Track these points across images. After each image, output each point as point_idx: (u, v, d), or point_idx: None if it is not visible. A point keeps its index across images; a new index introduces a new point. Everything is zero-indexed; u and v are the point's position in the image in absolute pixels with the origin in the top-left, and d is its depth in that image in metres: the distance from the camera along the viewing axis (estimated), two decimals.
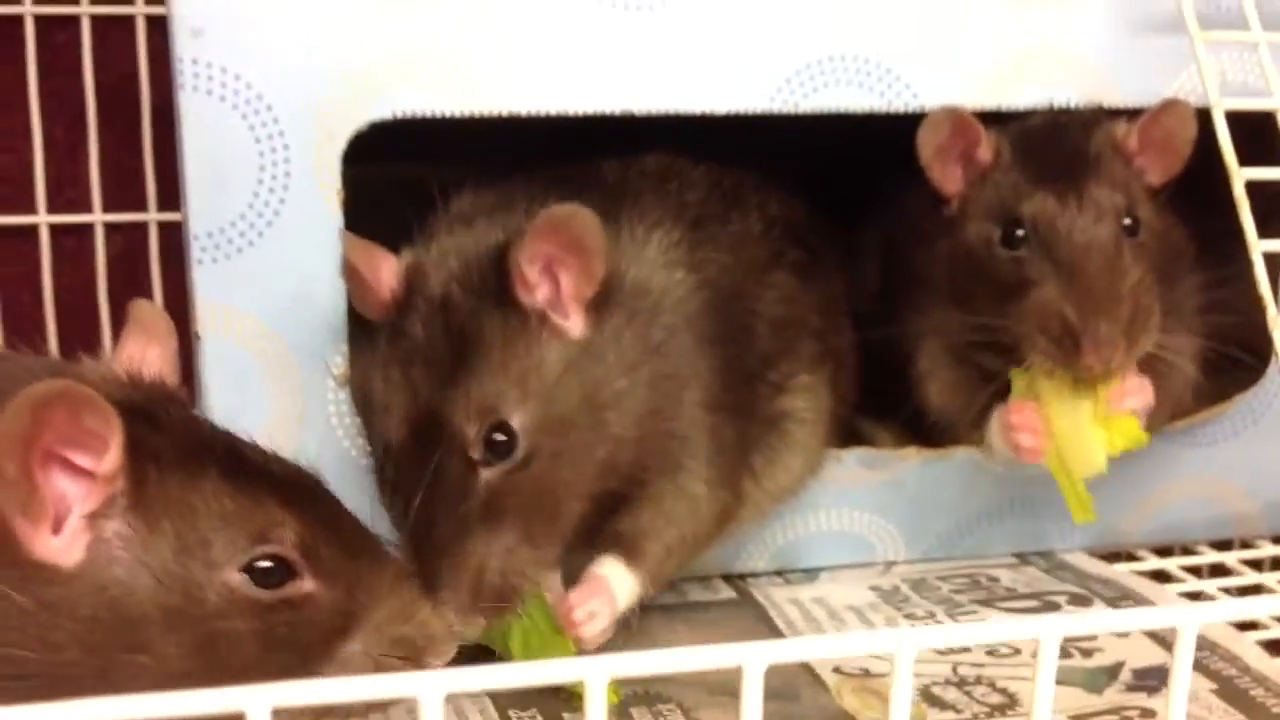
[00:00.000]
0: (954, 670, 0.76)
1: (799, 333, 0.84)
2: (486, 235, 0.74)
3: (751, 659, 0.41)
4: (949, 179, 0.85)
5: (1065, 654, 0.77)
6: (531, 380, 0.70)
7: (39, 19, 1.09)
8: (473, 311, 0.71)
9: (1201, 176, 0.82)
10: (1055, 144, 0.84)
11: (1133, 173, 0.84)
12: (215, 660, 0.54)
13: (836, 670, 0.76)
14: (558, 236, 0.70)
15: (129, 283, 1.13)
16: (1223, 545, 0.96)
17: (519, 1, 0.80)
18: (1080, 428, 0.81)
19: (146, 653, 0.53)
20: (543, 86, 0.80)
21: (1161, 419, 0.87)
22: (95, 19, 1.10)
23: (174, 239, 1.12)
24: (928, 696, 0.73)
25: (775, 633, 0.82)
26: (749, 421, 0.81)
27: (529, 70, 0.80)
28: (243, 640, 0.55)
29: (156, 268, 1.13)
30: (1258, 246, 0.78)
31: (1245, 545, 0.97)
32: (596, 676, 0.40)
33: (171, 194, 1.12)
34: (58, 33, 1.10)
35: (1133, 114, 0.85)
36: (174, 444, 0.56)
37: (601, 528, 0.75)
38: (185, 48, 0.77)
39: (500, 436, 0.69)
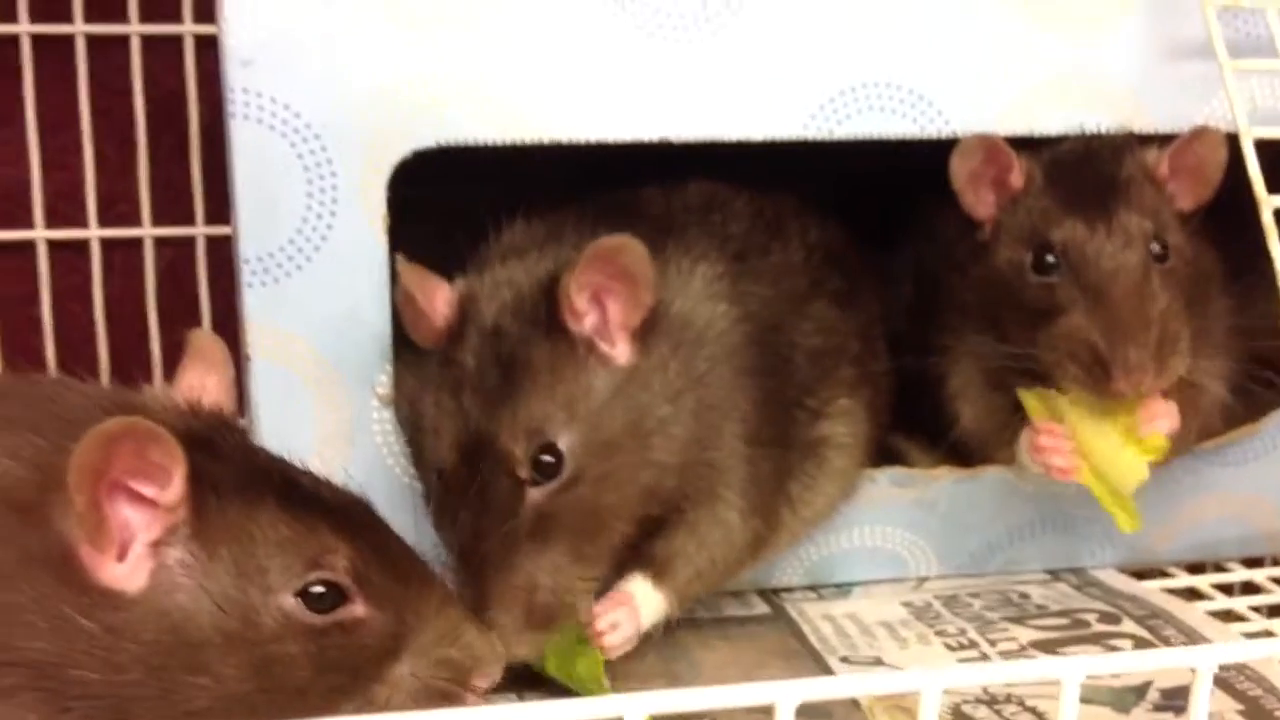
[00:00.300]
0: (984, 689, 0.77)
1: (838, 360, 0.86)
2: (537, 265, 0.76)
3: (783, 697, 0.42)
4: (981, 204, 0.86)
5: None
6: (579, 404, 0.72)
7: (90, 38, 1.12)
8: (522, 338, 0.73)
9: (1231, 201, 0.83)
10: (1086, 170, 0.85)
11: (1163, 199, 0.85)
12: (270, 682, 0.57)
13: None
14: (607, 266, 0.72)
15: (177, 295, 1.16)
16: (1254, 562, 0.97)
17: (559, 32, 0.81)
18: (1113, 441, 0.82)
19: (206, 674, 0.56)
20: (582, 115, 0.82)
21: (1189, 440, 0.88)
22: (145, 38, 1.13)
23: (221, 252, 1.14)
24: (958, 715, 0.75)
25: (808, 648, 0.83)
26: (787, 450, 0.83)
27: (569, 99, 0.82)
28: (296, 663, 0.57)
29: (204, 280, 1.16)
30: None
31: (1276, 563, 0.98)
32: (634, 713, 0.42)
33: (219, 208, 1.14)
34: (108, 51, 1.13)
35: (1163, 140, 0.86)
36: (232, 473, 0.59)
37: (635, 549, 0.77)
38: (236, 77, 0.79)
39: (547, 457, 0.71)
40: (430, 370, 0.76)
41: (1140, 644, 0.83)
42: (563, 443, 0.71)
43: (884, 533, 0.91)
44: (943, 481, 0.91)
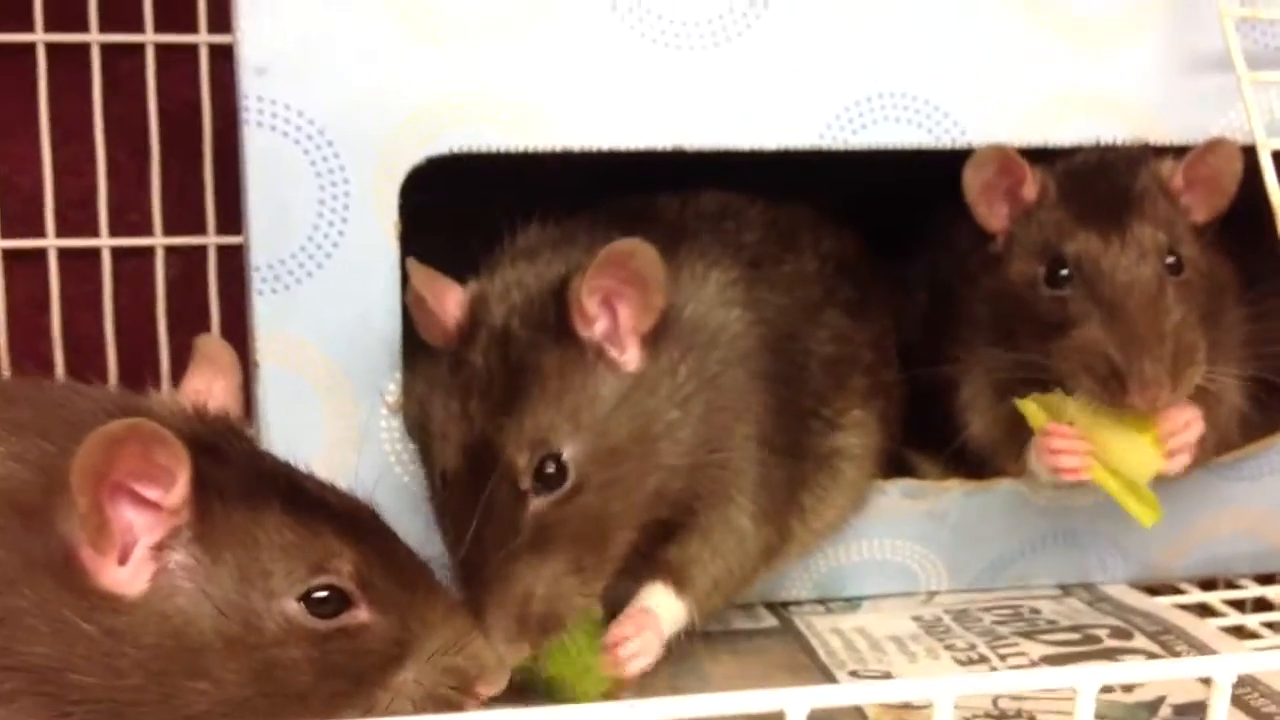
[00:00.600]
0: (994, 704, 0.77)
1: (851, 370, 0.86)
2: (549, 269, 0.76)
3: (793, 704, 0.42)
4: (994, 216, 0.86)
5: (1106, 689, 0.78)
6: (584, 413, 0.72)
7: (104, 47, 1.12)
8: (531, 343, 0.73)
9: (1247, 212, 0.83)
10: (1100, 182, 0.84)
11: (1178, 211, 0.84)
12: (272, 687, 0.56)
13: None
14: (618, 271, 0.72)
15: (187, 304, 1.16)
16: (1266, 579, 0.97)
17: (573, 41, 0.81)
18: (1123, 433, 0.82)
19: (206, 679, 0.55)
20: (596, 123, 0.82)
21: (1209, 452, 0.87)
22: (159, 47, 1.13)
23: (232, 262, 1.14)
24: None
25: (817, 662, 0.83)
26: (801, 460, 0.82)
27: (583, 108, 0.82)
28: (299, 668, 0.57)
29: (214, 290, 1.16)
30: None
31: None
32: None
33: (230, 218, 1.14)
34: (122, 60, 1.13)
35: (1179, 152, 0.86)
36: (237, 477, 0.59)
37: (649, 556, 0.77)
38: (250, 85, 0.79)
39: (551, 468, 0.71)
40: (440, 372, 0.76)
41: (1152, 659, 0.82)
42: (567, 453, 0.71)
43: (894, 545, 0.91)
44: (954, 494, 0.91)
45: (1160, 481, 0.83)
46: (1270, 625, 0.90)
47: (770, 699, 0.43)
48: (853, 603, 0.91)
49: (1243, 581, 0.97)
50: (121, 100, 1.14)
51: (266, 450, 0.64)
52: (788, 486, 0.81)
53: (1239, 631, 0.89)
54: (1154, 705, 0.77)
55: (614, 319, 0.74)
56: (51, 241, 1.13)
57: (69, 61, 1.12)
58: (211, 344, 0.68)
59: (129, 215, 1.16)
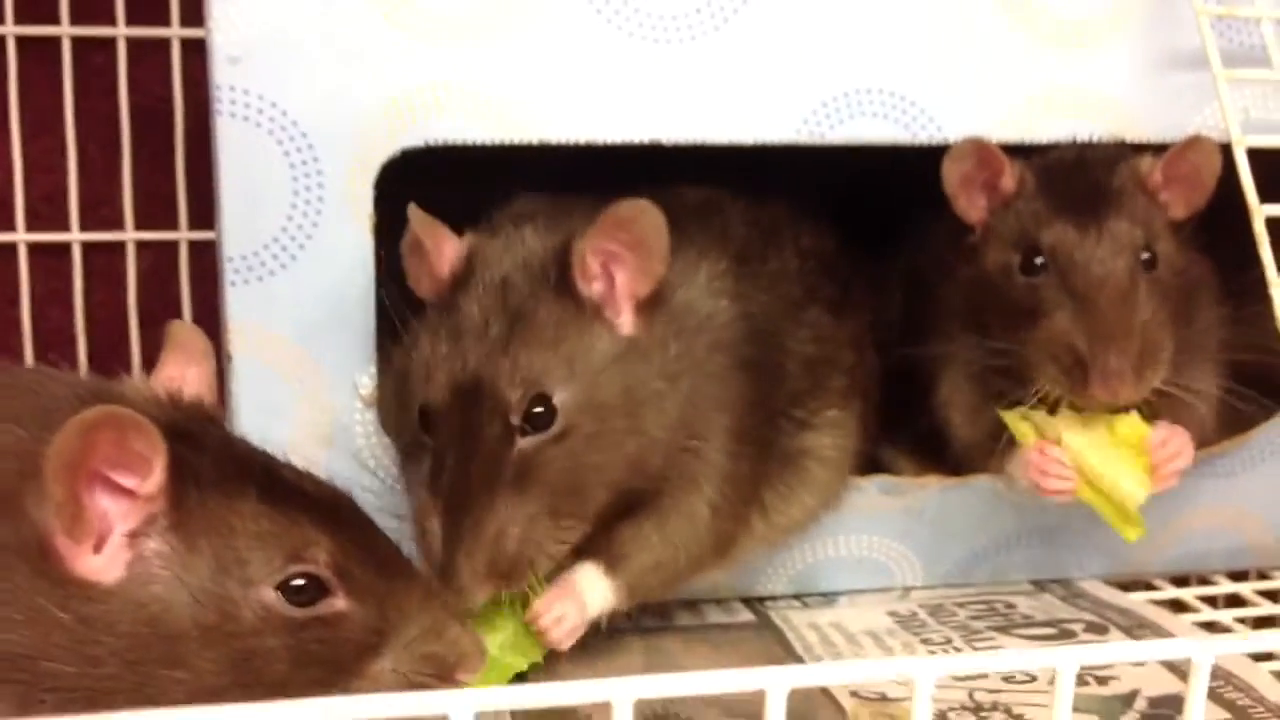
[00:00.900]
0: (970, 696, 0.77)
1: (830, 369, 0.86)
2: (548, 230, 0.76)
3: (774, 683, 0.42)
4: (973, 208, 0.86)
5: (1082, 682, 0.78)
6: (578, 363, 0.72)
7: (76, 40, 1.11)
8: (531, 293, 0.73)
9: (1226, 212, 0.83)
10: (1079, 176, 0.85)
11: (1155, 208, 0.84)
12: (249, 675, 0.56)
13: (854, 695, 0.77)
14: (622, 233, 0.72)
15: (159, 300, 1.15)
16: (1239, 576, 0.97)
17: (550, 34, 0.81)
18: (1111, 455, 0.82)
19: (182, 668, 0.55)
20: (573, 117, 0.82)
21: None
22: (131, 41, 1.12)
23: (204, 257, 1.14)
24: None
25: (793, 656, 0.83)
26: (767, 458, 0.82)
27: (559, 101, 0.81)
28: (275, 656, 0.56)
29: (186, 285, 1.15)
30: (1277, 281, 0.79)
31: (1262, 576, 0.97)
32: (621, 698, 0.41)
33: (202, 213, 1.14)
34: (94, 54, 1.12)
35: (1156, 149, 0.86)
36: (213, 464, 0.58)
37: (596, 538, 0.76)
38: (223, 75, 0.79)
39: (540, 409, 0.71)
40: (428, 318, 0.75)
41: None
42: (558, 397, 0.71)
43: (870, 542, 0.91)
44: (930, 490, 0.91)
45: None
46: (1242, 620, 0.91)
47: (751, 679, 0.43)
48: (829, 598, 0.91)
49: (1215, 578, 0.97)
50: (93, 94, 1.13)
51: (241, 437, 0.64)
52: (751, 482, 0.81)
53: (1212, 627, 0.89)
54: (1129, 698, 0.77)
55: (611, 284, 0.74)
56: (22, 236, 1.12)
57: (40, 55, 1.11)
58: (184, 330, 0.68)
59: (100, 210, 1.15)
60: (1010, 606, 0.90)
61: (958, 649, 0.83)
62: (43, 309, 1.13)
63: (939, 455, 0.91)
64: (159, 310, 1.15)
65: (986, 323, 0.84)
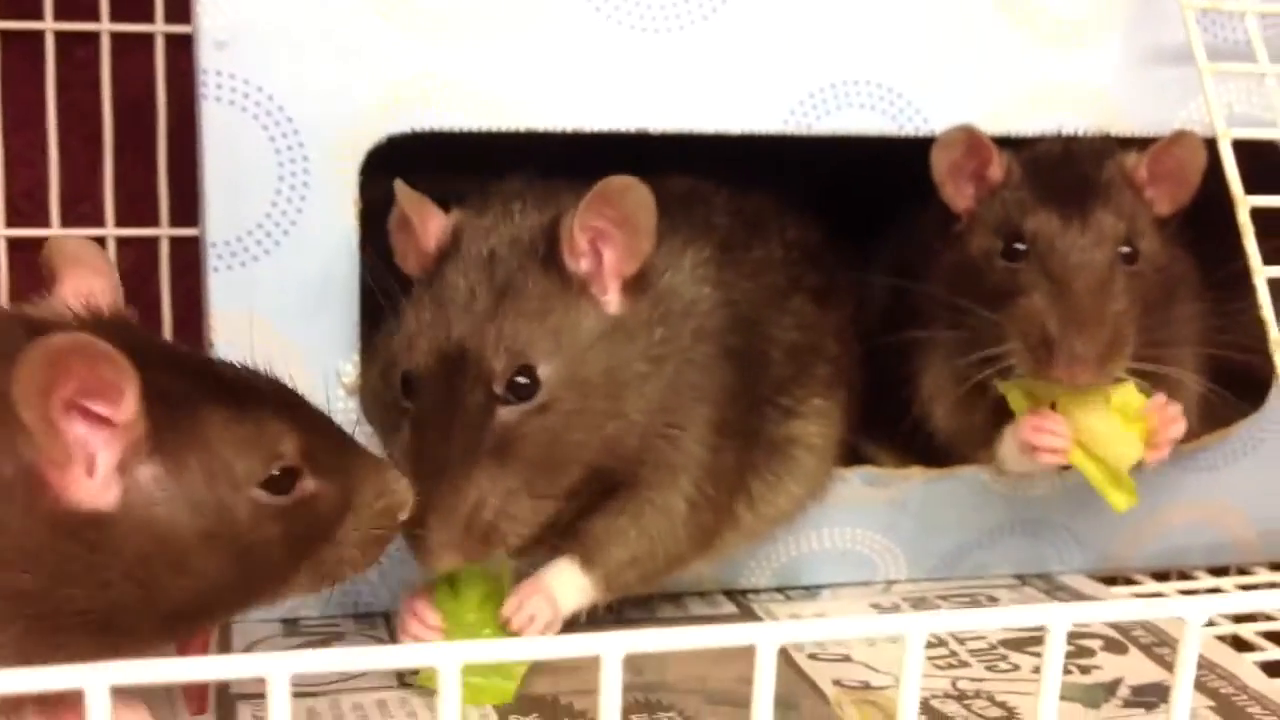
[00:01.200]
0: (954, 685, 0.77)
1: (815, 358, 0.86)
2: (537, 208, 0.76)
3: (764, 639, 0.42)
4: (960, 196, 0.87)
5: (1065, 670, 0.77)
6: (564, 337, 0.72)
7: (59, 35, 1.11)
8: (519, 267, 0.73)
9: (1213, 206, 0.83)
10: (1066, 168, 0.85)
11: (1140, 203, 0.85)
12: (250, 566, 0.60)
13: (837, 682, 0.77)
14: (611, 209, 0.72)
15: (139, 296, 1.14)
16: (1219, 571, 0.97)
17: (537, 22, 0.81)
18: (1106, 418, 0.82)
19: (189, 575, 0.58)
20: (560, 105, 0.82)
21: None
22: (115, 36, 1.12)
23: (185, 254, 1.13)
24: (928, 710, 0.74)
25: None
26: (753, 447, 0.82)
27: (546, 89, 0.81)
28: (272, 544, 0.61)
29: (166, 281, 1.15)
30: (1261, 273, 0.79)
31: (1242, 571, 0.98)
32: (612, 654, 0.41)
33: (184, 210, 1.13)
34: (77, 49, 1.12)
35: (1141, 143, 0.86)
36: (169, 379, 0.59)
37: (572, 527, 0.76)
38: (209, 59, 0.78)
39: (524, 379, 0.71)
40: (415, 290, 0.75)
41: (1109, 644, 0.82)
42: (542, 369, 0.71)
43: (854, 535, 0.91)
44: (914, 481, 0.91)
45: None
46: (1223, 615, 0.90)
47: (740, 634, 0.43)
48: (812, 591, 0.91)
49: (1196, 573, 0.97)
50: (75, 89, 1.12)
51: (176, 343, 0.68)
52: (735, 473, 0.81)
53: None
54: (1112, 686, 0.77)
55: (599, 261, 0.74)
56: (2, 231, 1.11)
57: (22, 49, 1.10)
58: (71, 244, 0.67)
59: (81, 206, 1.14)
60: (993, 600, 0.90)
61: (941, 639, 0.83)
62: (22, 304, 1.12)
63: (918, 449, 0.91)
64: (140, 306, 1.12)
65: (968, 308, 0.84)
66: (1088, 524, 0.93)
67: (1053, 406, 0.84)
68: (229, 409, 0.60)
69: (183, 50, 1.11)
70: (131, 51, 1.13)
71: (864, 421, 0.91)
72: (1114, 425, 0.82)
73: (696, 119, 0.84)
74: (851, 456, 0.92)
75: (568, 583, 0.77)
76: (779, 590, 0.91)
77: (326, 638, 0.82)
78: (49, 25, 1.10)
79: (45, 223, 1.12)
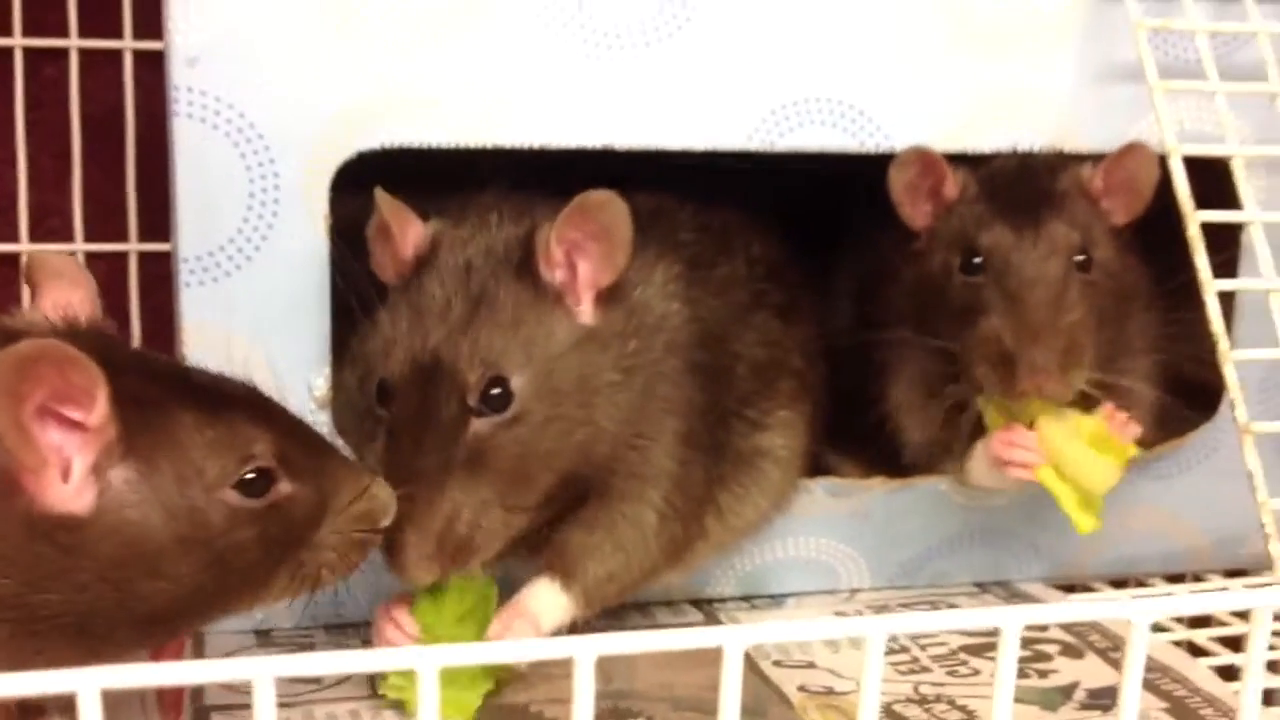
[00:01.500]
0: (915, 689, 0.78)
1: (779, 372, 0.87)
2: (514, 217, 0.78)
3: (731, 641, 0.43)
4: (918, 214, 0.88)
5: (1023, 674, 0.80)
6: (536, 348, 0.73)
7: (28, 51, 1.12)
8: (494, 276, 0.75)
9: (1163, 219, 0.85)
10: (1021, 182, 0.87)
11: (1095, 213, 0.87)
12: (224, 569, 0.61)
13: (801, 689, 0.78)
14: (587, 222, 0.74)
15: (109, 311, 1.14)
16: (1175, 579, 0.99)
17: (503, 40, 0.82)
18: (1084, 446, 0.84)
19: (164, 578, 0.59)
20: (527, 121, 0.83)
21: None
22: (84, 52, 1.13)
23: (153, 269, 1.14)
24: (890, 714, 0.75)
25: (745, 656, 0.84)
26: (720, 460, 0.83)
27: (512, 106, 0.83)
28: (246, 548, 0.61)
29: (135, 296, 1.15)
30: (1211, 285, 0.81)
31: (1197, 579, 1.00)
32: (584, 656, 0.43)
33: (153, 225, 1.14)
34: (46, 65, 1.13)
35: (1096, 159, 0.88)
36: (142, 385, 0.60)
37: (548, 539, 0.78)
38: (180, 76, 0.79)
39: (497, 390, 0.72)
40: (391, 297, 0.76)
41: (1066, 649, 0.84)
42: (514, 381, 0.72)
43: (818, 544, 0.92)
44: (876, 492, 0.92)
45: None
46: (1179, 620, 0.92)
47: (708, 637, 0.44)
48: (777, 600, 0.92)
49: (1152, 581, 0.99)
50: (44, 105, 1.13)
51: (150, 352, 0.69)
52: (704, 485, 0.82)
53: (1152, 627, 0.91)
54: (1069, 690, 0.79)
55: (573, 272, 0.75)
56: None
57: None
58: (52, 259, 0.68)
59: (49, 221, 1.15)
60: (953, 607, 0.92)
61: (904, 645, 0.84)
62: None
63: (882, 460, 0.93)
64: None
65: (929, 321, 0.86)
66: (1045, 533, 0.95)
67: (1030, 428, 0.85)
68: (200, 412, 0.61)
69: (151, 66, 1.12)
70: (100, 68, 1.14)
71: (828, 433, 0.93)
72: (1090, 452, 0.83)
73: (661, 136, 0.85)
74: (815, 468, 0.93)
75: (548, 603, 0.78)
76: (744, 599, 0.92)
77: (300, 648, 0.83)
78: (18, 41, 1.11)
79: (14, 238, 1.13)
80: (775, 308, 0.88)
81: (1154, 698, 0.77)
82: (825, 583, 0.93)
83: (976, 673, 0.80)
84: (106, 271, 1.15)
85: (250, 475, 0.61)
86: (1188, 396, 0.93)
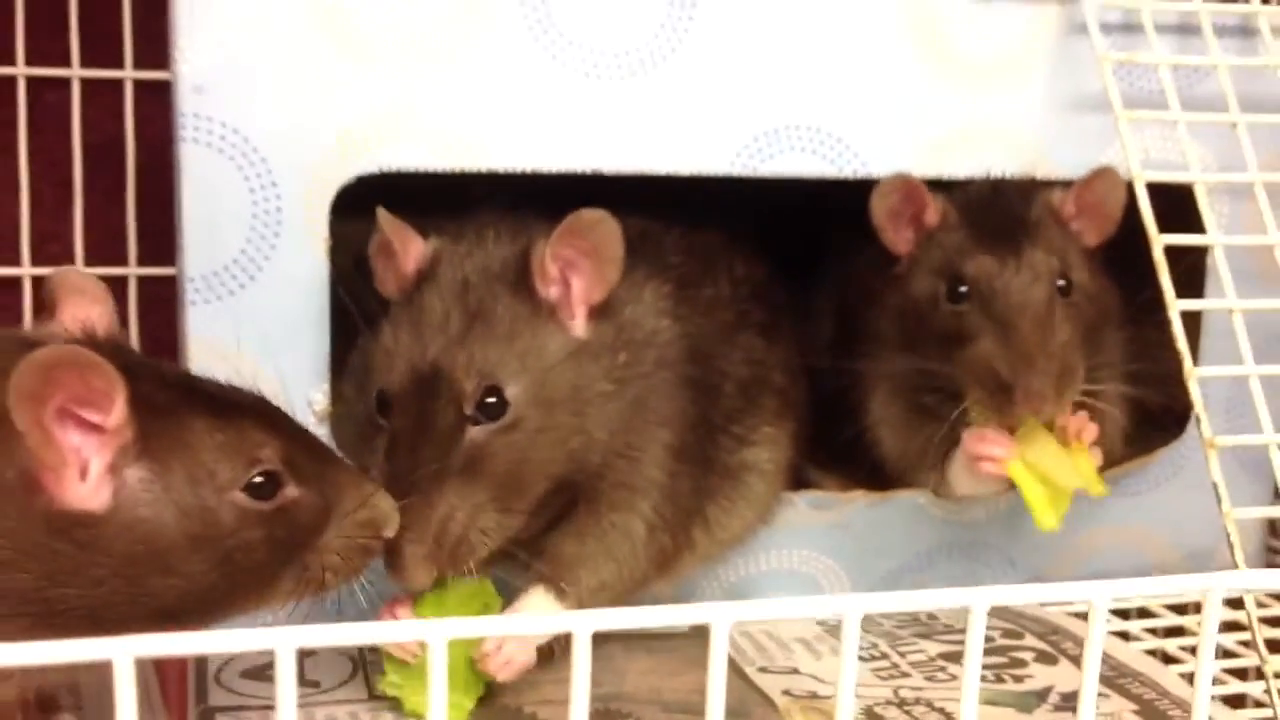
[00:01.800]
0: (895, 693, 0.81)
1: (763, 390, 0.91)
2: (510, 236, 0.81)
3: (718, 618, 0.46)
4: (900, 240, 0.92)
5: (999, 679, 0.83)
6: (531, 359, 0.76)
7: (30, 79, 1.15)
8: (490, 292, 0.78)
9: (1137, 245, 0.88)
10: (998, 209, 0.91)
11: (1069, 236, 0.91)
12: (233, 568, 0.64)
13: (786, 693, 0.81)
14: (580, 240, 0.77)
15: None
16: None
17: (496, 68, 0.86)
18: (1054, 441, 0.88)
19: (175, 574, 0.62)
20: (518, 147, 0.87)
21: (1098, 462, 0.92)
22: (85, 81, 1.15)
23: (152, 292, 1.16)
24: (871, 715, 0.78)
25: (729, 660, 0.86)
26: (708, 473, 0.87)
27: (505, 131, 0.86)
28: (255, 548, 0.64)
29: (135, 320, 1.18)
30: (1175, 305, 0.84)
31: None
32: (583, 630, 0.45)
33: (151, 250, 1.17)
34: (47, 92, 1.15)
35: (1066, 185, 0.92)
36: (156, 391, 0.64)
37: (541, 549, 0.80)
38: (187, 102, 0.83)
39: (493, 399, 0.75)
40: (392, 312, 0.79)
41: (1041, 655, 0.87)
42: (509, 390, 0.75)
43: (800, 556, 0.95)
44: (857, 505, 0.95)
45: None
46: (1152, 630, 0.95)
47: (696, 614, 0.47)
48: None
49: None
50: (46, 132, 1.16)
51: (162, 362, 0.71)
52: (693, 497, 0.85)
53: (1124, 636, 0.94)
54: (1043, 693, 0.81)
55: (567, 289, 0.78)
56: None
57: None
58: (73, 275, 0.71)
59: (50, 246, 1.17)
60: (932, 617, 0.94)
61: (883, 652, 0.87)
62: None
63: (862, 474, 0.96)
64: None
65: (915, 344, 0.90)
66: (1021, 547, 0.98)
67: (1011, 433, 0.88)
68: (211, 417, 0.64)
69: (151, 95, 1.15)
70: (101, 96, 1.16)
71: (809, 447, 0.96)
72: (1061, 449, 0.87)
73: (649, 161, 0.89)
74: (796, 482, 0.96)
75: (543, 611, 0.79)
76: None
77: (302, 654, 0.85)
78: (21, 70, 1.14)
79: (16, 262, 1.16)
80: (759, 326, 0.91)
81: (1125, 700, 0.80)
82: (807, 593, 0.96)
83: (954, 678, 0.83)
84: None
85: (258, 478, 0.64)
86: (1157, 415, 0.96)
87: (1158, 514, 1.01)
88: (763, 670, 0.85)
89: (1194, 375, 0.84)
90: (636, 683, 0.82)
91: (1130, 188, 0.87)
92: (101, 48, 1.15)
